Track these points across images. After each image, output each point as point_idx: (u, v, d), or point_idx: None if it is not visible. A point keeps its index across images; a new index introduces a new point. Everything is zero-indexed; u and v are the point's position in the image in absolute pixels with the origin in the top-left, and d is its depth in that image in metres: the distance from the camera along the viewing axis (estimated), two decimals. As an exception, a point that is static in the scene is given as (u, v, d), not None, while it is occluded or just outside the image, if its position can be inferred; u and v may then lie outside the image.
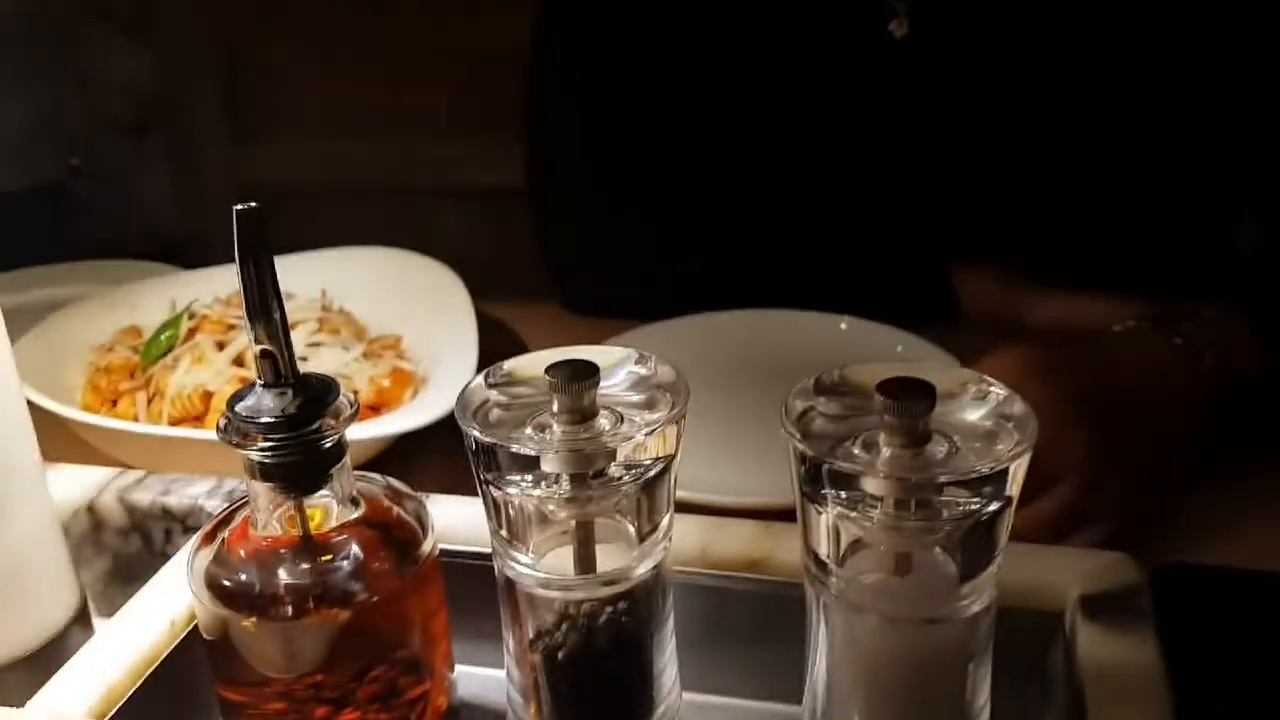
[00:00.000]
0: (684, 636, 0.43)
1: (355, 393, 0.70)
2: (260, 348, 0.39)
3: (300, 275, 0.83)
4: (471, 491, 0.66)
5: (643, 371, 0.40)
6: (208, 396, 0.68)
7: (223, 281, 0.83)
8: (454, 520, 0.49)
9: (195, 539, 0.42)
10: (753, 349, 0.80)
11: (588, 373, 0.38)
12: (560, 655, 0.40)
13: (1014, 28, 0.83)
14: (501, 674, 0.50)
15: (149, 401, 0.69)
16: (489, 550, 0.48)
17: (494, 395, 0.40)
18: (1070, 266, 0.84)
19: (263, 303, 0.39)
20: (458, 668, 0.47)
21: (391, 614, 0.43)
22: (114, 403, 0.71)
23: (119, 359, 0.73)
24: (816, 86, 0.87)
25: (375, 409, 0.70)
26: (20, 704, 0.42)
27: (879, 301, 0.85)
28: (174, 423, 0.68)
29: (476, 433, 0.38)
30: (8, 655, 0.47)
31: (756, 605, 0.47)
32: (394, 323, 0.81)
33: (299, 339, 0.72)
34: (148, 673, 0.43)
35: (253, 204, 0.38)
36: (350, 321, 0.78)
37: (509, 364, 0.41)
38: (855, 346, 0.79)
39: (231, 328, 0.73)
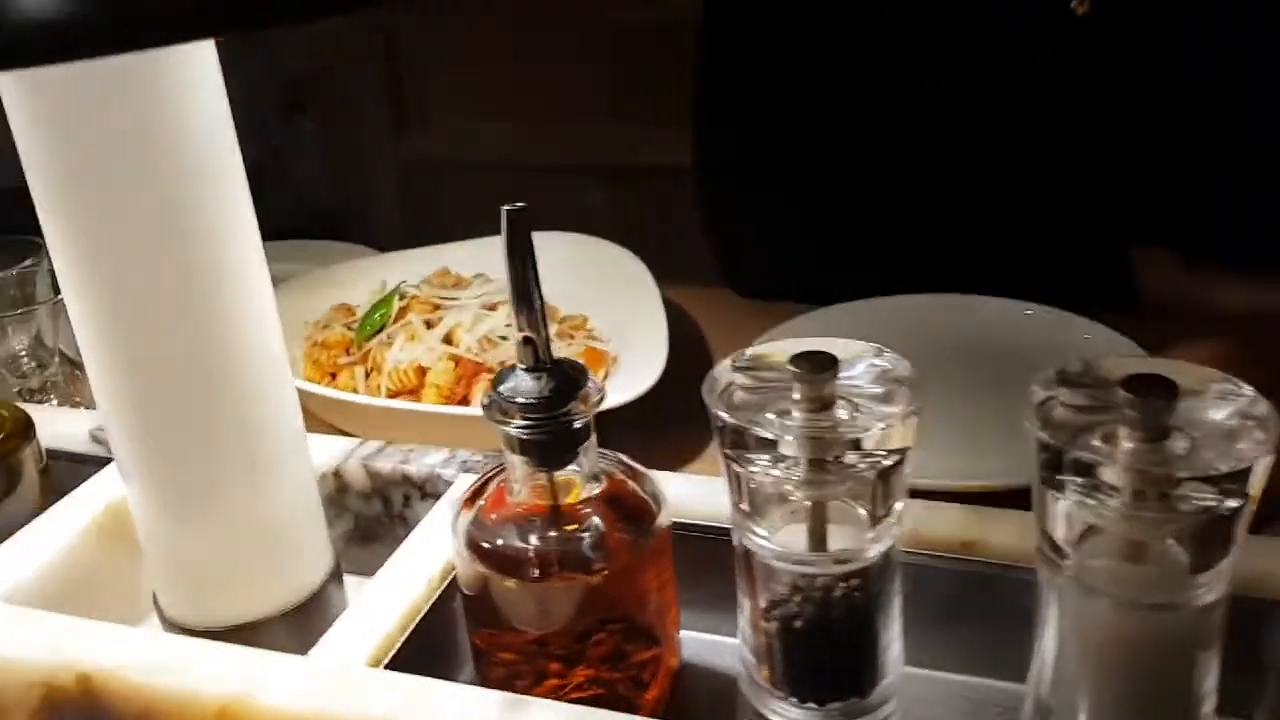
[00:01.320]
0: (903, 612, 0.45)
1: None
2: (523, 335, 0.43)
3: (487, 256, 0.87)
4: (665, 466, 0.70)
5: (881, 364, 0.42)
6: (421, 371, 0.73)
7: (417, 264, 0.88)
8: (680, 495, 0.52)
9: (456, 504, 0.46)
10: (935, 333, 0.81)
11: (828, 364, 0.40)
12: (797, 624, 0.43)
13: (1198, 3, 0.82)
14: (728, 639, 0.53)
15: (366, 375, 0.74)
16: (714, 524, 0.52)
17: (738, 379, 0.43)
18: (1257, 253, 0.83)
19: (526, 294, 0.43)
20: (688, 632, 0.50)
21: (628, 580, 0.46)
22: (333, 376, 0.76)
23: (334, 335, 0.79)
24: (996, 66, 0.87)
25: (573, 387, 0.74)
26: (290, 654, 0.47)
27: (1054, 288, 0.85)
28: (391, 395, 0.72)
29: (724, 413, 0.41)
30: (276, 609, 0.51)
31: (972, 585, 0.49)
32: (579, 304, 0.84)
33: (499, 320, 0.77)
34: (413, 624, 0.48)
35: (519, 204, 0.42)
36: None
37: (751, 350, 0.43)
38: (1042, 334, 0.79)
39: (438, 307, 0.78)
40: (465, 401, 0.72)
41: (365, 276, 0.87)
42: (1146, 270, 0.85)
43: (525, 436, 0.44)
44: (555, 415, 0.43)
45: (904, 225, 0.92)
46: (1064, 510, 0.38)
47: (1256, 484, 0.36)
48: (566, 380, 0.44)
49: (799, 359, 0.41)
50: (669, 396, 0.71)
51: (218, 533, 0.49)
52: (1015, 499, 0.59)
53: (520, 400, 0.43)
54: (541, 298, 0.43)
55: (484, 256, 0.87)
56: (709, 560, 0.51)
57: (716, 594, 0.52)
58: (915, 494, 0.57)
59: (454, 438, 0.66)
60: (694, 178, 1.01)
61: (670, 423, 0.75)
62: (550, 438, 0.44)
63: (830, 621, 0.43)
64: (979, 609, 0.50)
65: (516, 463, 0.45)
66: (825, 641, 0.43)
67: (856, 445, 0.40)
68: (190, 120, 0.44)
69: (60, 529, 0.55)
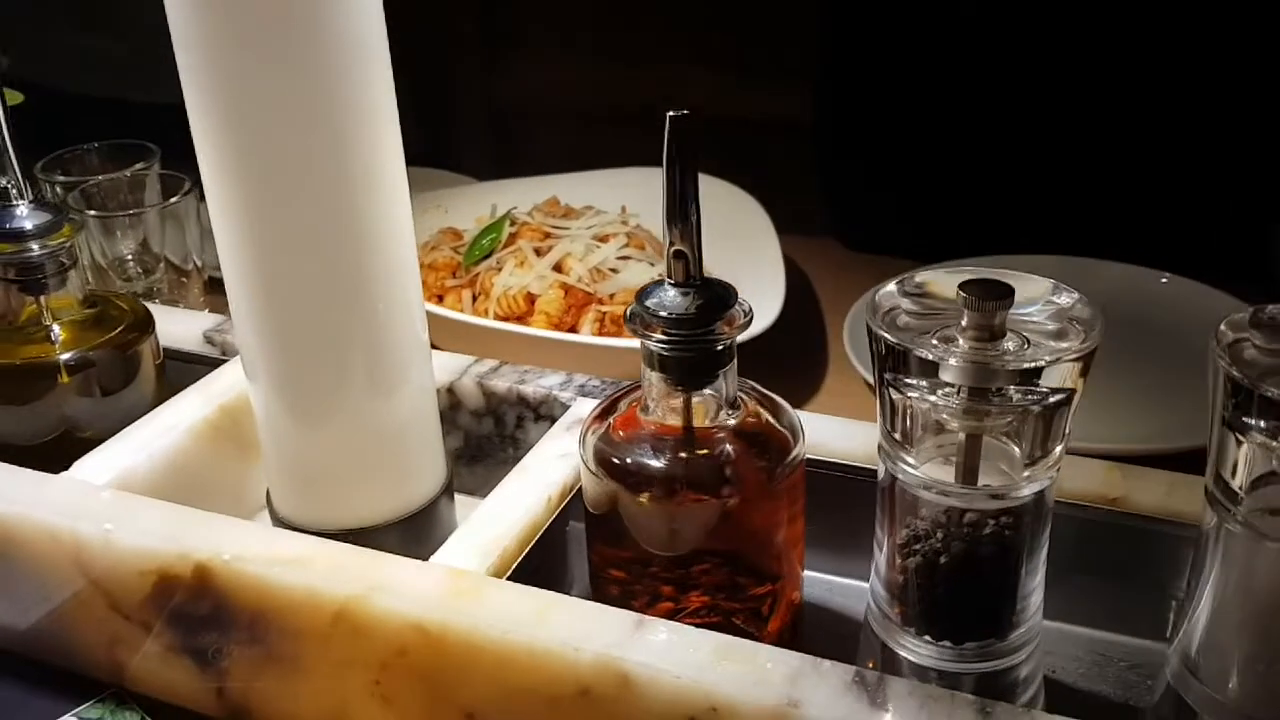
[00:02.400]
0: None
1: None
2: (674, 248, 0.41)
3: (594, 189, 0.86)
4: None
5: (1059, 302, 0.40)
6: (530, 298, 0.72)
7: (528, 191, 0.86)
8: (812, 431, 0.50)
9: (587, 419, 0.45)
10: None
11: (1002, 292, 0.38)
12: (942, 559, 0.41)
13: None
14: (851, 581, 0.52)
15: (474, 299, 0.73)
16: (847, 463, 0.50)
17: (904, 303, 0.41)
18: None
19: (683, 206, 0.41)
20: (810, 573, 0.48)
21: (758, 510, 0.45)
22: (440, 298, 0.75)
23: (443, 257, 0.78)
24: (1126, 24, 0.84)
25: (682, 323, 0.72)
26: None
27: (1180, 257, 0.82)
28: (499, 320, 0.71)
29: (885, 333, 0.39)
30: (389, 517, 0.51)
31: (1111, 540, 0.47)
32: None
33: (610, 251, 0.75)
34: (532, 541, 0.47)
35: (685, 110, 0.40)
36: (652, 238, 0.81)
37: (921, 275, 0.41)
38: (1176, 303, 0.76)
39: (548, 235, 0.77)
40: (574, 330, 0.71)
41: (472, 203, 0.86)
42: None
43: (666, 353, 0.42)
44: (699, 333, 0.42)
45: (1024, 183, 0.89)
46: (1245, 454, 0.36)
47: None
48: (715, 299, 0.42)
49: (971, 285, 0.39)
50: (777, 344, 0.69)
51: (338, 436, 0.49)
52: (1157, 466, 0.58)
53: (665, 314, 0.42)
54: (699, 211, 0.42)
55: (590, 189, 0.86)
56: (836, 501, 0.49)
57: (842, 535, 0.51)
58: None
59: (560, 366, 0.64)
60: (813, 131, 0.99)
61: (779, 369, 0.73)
62: (692, 356, 0.42)
63: (978, 559, 0.41)
64: (1115, 564, 0.48)
65: (654, 380, 0.43)
66: (970, 579, 0.42)
67: (1022, 378, 0.38)
68: (343, 9, 0.43)
69: (174, 423, 0.55)
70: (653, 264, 0.76)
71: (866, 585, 0.46)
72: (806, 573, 0.50)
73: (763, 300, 0.71)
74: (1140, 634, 0.48)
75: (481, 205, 0.85)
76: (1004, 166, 0.89)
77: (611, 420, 0.45)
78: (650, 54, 1.50)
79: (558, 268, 0.74)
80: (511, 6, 1.59)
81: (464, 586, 0.42)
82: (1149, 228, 0.85)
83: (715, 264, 0.80)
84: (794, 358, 0.77)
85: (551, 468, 0.50)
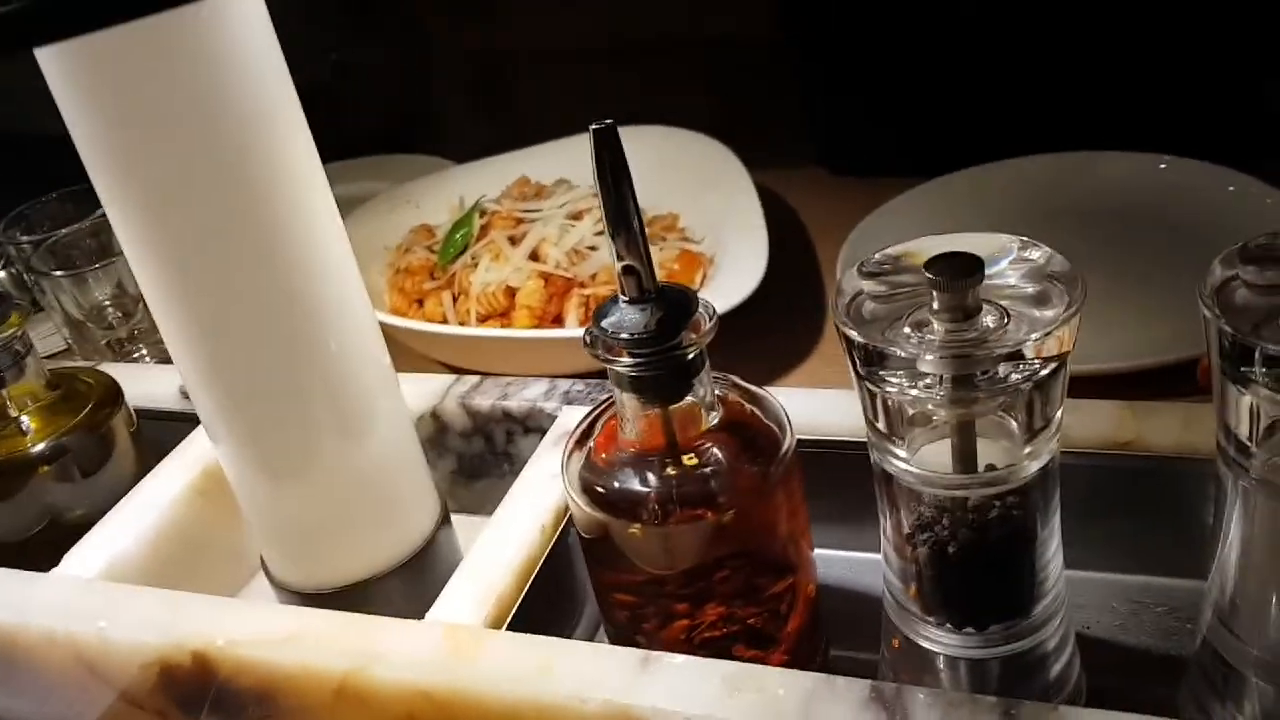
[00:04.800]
0: (1062, 514, 0.42)
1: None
2: (623, 264, 0.39)
3: (567, 158, 0.83)
4: (775, 369, 0.66)
5: (1031, 259, 0.37)
6: (510, 292, 0.69)
7: (496, 173, 0.84)
8: (799, 410, 0.48)
9: (565, 446, 0.43)
10: (1060, 198, 0.75)
11: (971, 268, 0.36)
12: (950, 549, 0.39)
13: None
14: (866, 554, 0.50)
15: (454, 300, 0.71)
16: (846, 439, 0.48)
17: (868, 285, 0.38)
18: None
19: (624, 218, 0.38)
20: (823, 551, 0.47)
21: (759, 512, 0.43)
22: (419, 303, 0.73)
23: (417, 260, 0.76)
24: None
25: (669, 292, 0.70)
26: (406, 611, 0.44)
27: (1181, 139, 0.78)
28: (481, 320, 0.69)
29: (853, 333, 0.37)
30: (387, 564, 0.49)
31: (1130, 483, 0.45)
32: (669, 201, 0.80)
33: (586, 228, 0.73)
34: (531, 576, 0.45)
35: (607, 120, 0.38)
36: (629, 204, 0.78)
37: (881, 252, 0.39)
38: (1181, 187, 0.72)
39: (520, 221, 0.74)
40: (559, 320, 0.69)
41: (442, 192, 0.84)
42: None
43: (635, 374, 0.40)
44: (666, 348, 0.39)
45: (1011, 80, 0.85)
46: (1249, 404, 0.34)
47: None
48: (675, 308, 0.40)
49: (937, 264, 0.36)
50: (771, 293, 0.67)
51: (315, 489, 0.47)
52: (1173, 377, 0.55)
53: (626, 335, 0.39)
54: (641, 220, 0.39)
55: (564, 158, 0.83)
56: (841, 474, 0.47)
57: (851, 508, 0.49)
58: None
59: (553, 360, 0.62)
60: (789, 50, 0.95)
61: (776, 321, 0.71)
62: (662, 373, 0.40)
63: (988, 544, 0.39)
64: (1139, 506, 0.46)
65: (627, 400, 0.41)
66: (983, 565, 0.39)
67: (1009, 357, 0.36)
68: (239, 60, 0.40)
69: (158, 498, 0.53)
70: (632, 233, 0.73)
71: (879, 556, 0.44)
72: (818, 552, 0.49)
73: (746, 257, 0.68)
74: (1175, 573, 0.46)
75: (454, 194, 0.83)
76: (984, 68, 0.85)
77: (591, 443, 0.44)
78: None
79: (534, 255, 0.71)
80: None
81: (462, 643, 0.41)
82: (1143, 111, 0.81)
83: (694, 225, 0.77)
84: (788, 305, 0.75)
85: (542, 490, 0.48)
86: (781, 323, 0.71)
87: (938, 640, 0.41)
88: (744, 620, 0.45)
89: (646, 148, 0.84)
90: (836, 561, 0.50)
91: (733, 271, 0.68)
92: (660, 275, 0.71)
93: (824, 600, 0.47)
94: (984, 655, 0.41)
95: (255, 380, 0.44)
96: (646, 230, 0.73)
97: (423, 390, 0.56)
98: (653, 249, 0.73)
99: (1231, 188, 0.70)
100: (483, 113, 1.62)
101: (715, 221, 0.75)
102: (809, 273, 0.78)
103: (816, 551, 0.48)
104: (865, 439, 0.40)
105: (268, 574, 0.50)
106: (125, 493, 0.54)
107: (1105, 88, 0.82)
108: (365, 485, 0.47)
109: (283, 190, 0.42)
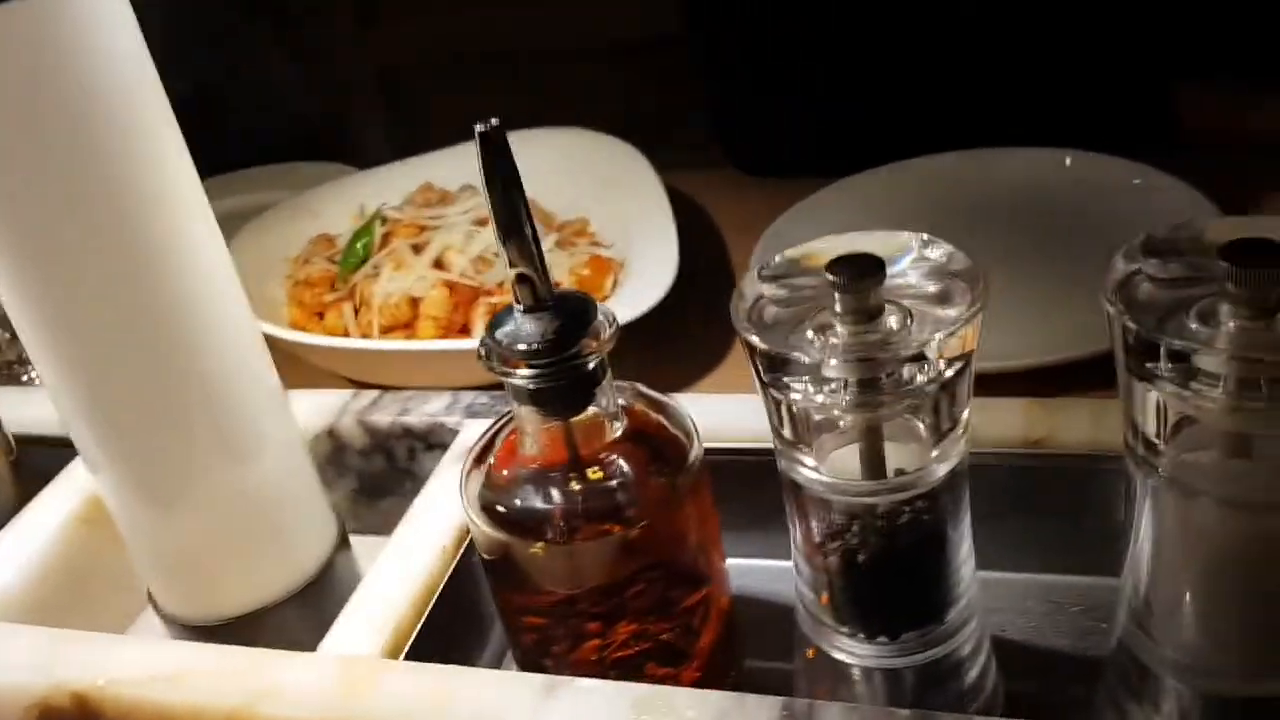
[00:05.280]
0: (975, 515, 0.41)
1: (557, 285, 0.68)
2: (516, 271, 0.37)
3: (475, 164, 0.80)
4: (687, 374, 0.65)
5: (933, 257, 0.36)
6: (414, 303, 0.67)
7: (400, 180, 0.81)
8: (708, 417, 0.47)
9: (464, 465, 0.41)
10: (967, 194, 0.75)
11: (872, 269, 0.35)
12: (860, 557, 0.38)
13: None
14: (783, 563, 0.48)
15: (356, 312, 0.69)
16: (754, 445, 0.47)
17: (768, 290, 0.37)
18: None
19: (515, 224, 0.37)
20: (735, 560, 0.45)
21: (666, 524, 0.41)
22: (320, 315, 0.71)
23: (317, 271, 0.73)
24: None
25: (579, 299, 0.68)
26: (303, 641, 0.42)
27: (1087, 132, 0.78)
28: (384, 332, 0.67)
29: (754, 339, 0.35)
30: (281, 592, 0.47)
31: (1043, 481, 0.44)
32: (578, 205, 0.78)
33: (492, 235, 0.70)
34: (430, 602, 0.43)
35: (494, 122, 0.36)
36: (537, 209, 0.76)
37: (781, 255, 0.38)
38: (1086, 181, 0.72)
39: (424, 229, 0.72)
40: (466, 330, 0.67)
41: (343, 200, 0.81)
42: (1186, 101, 0.78)
43: (533, 386, 0.38)
44: (565, 358, 0.38)
45: (917, 78, 0.85)
46: (1155, 402, 0.33)
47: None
48: (572, 317, 0.38)
49: (838, 265, 0.35)
50: (684, 297, 0.65)
51: (200, 517, 0.45)
52: (1084, 372, 0.55)
53: (523, 347, 0.37)
54: (533, 225, 0.37)
55: (469, 164, 0.80)
56: (751, 481, 0.46)
57: (763, 516, 0.47)
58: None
59: (460, 372, 0.60)
60: (689, 51, 0.94)
61: (689, 325, 0.69)
62: (562, 384, 0.38)
63: (898, 550, 0.38)
64: (1052, 505, 0.46)
65: (526, 414, 0.39)
66: (894, 573, 0.39)
67: (914, 358, 0.35)
68: (99, 66, 0.38)
69: (39, 529, 0.51)
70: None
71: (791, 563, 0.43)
72: (731, 561, 0.47)
73: (657, 260, 0.67)
74: (1090, 571, 0.46)
75: (354, 202, 0.80)
76: (891, 65, 0.85)
77: (491, 460, 0.42)
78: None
79: (438, 264, 0.69)
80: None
81: (356, 676, 0.39)
82: (1048, 106, 0.82)
83: (604, 229, 0.76)
84: (701, 308, 0.74)
85: (443, 510, 0.46)
86: (694, 327, 0.70)
87: (851, 651, 0.40)
88: (656, 636, 0.43)
89: (555, 151, 0.82)
90: (750, 571, 0.49)
91: (643, 276, 0.67)
92: (570, 281, 0.69)
93: (738, 611, 0.46)
94: (899, 664, 0.40)
95: (131, 406, 0.42)
96: (556, 236, 0.72)
97: (318, 407, 0.53)
98: (564, 255, 0.71)
99: (1136, 180, 0.70)
100: (390, 118, 1.59)
101: (626, 225, 0.74)
102: (721, 275, 0.77)
103: (729, 561, 0.46)
104: (769, 447, 0.39)
105: (155, 607, 0.48)
106: (3, 524, 0.51)
107: (1010, 83, 0.82)
108: (254, 511, 0.45)
109: (152, 206, 0.40)
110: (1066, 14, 0.81)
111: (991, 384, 0.56)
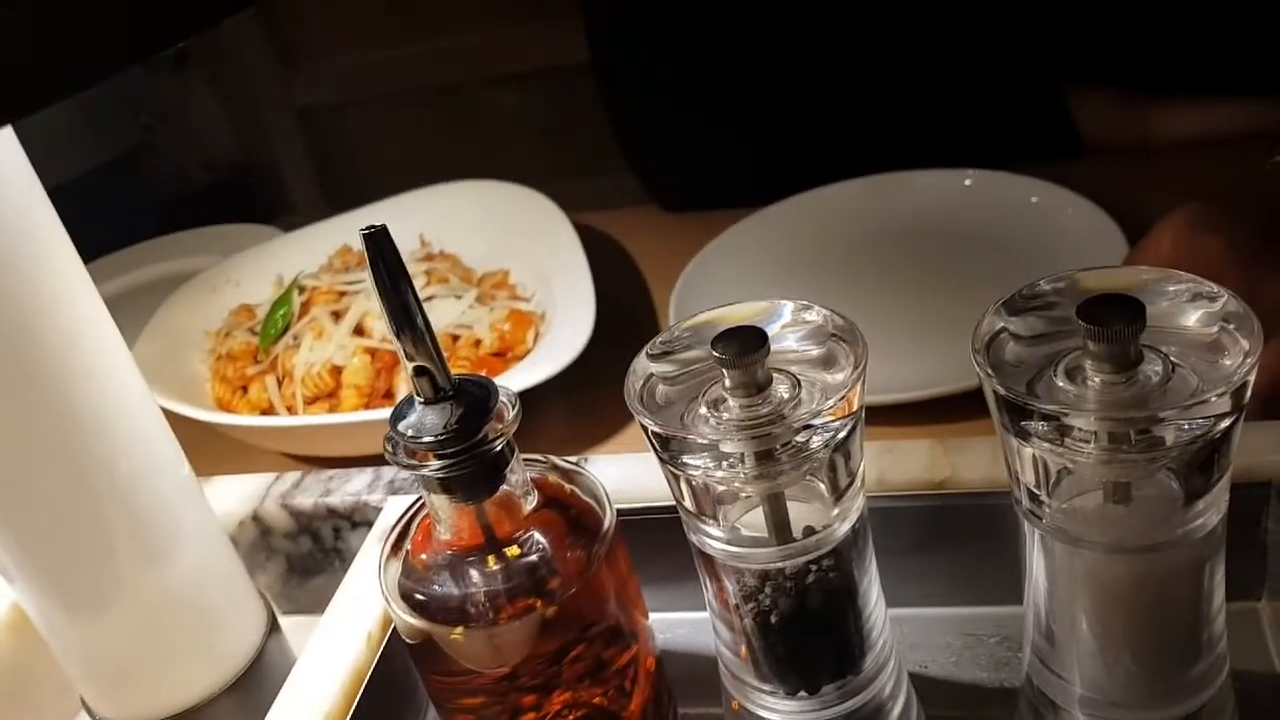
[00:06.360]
0: (883, 553, 0.42)
1: (479, 342, 0.69)
2: (414, 365, 0.38)
3: (390, 221, 0.81)
4: (598, 431, 0.66)
5: (812, 319, 0.38)
6: (336, 371, 0.67)
7: (321, 242, 0.81)
8: (622, 478, 0.48)
9: (383, 553, 0.42)
10: (876, 218, 0.76)
11: (756, 342, 0.36)
12: (773, 618, 0.39)
13: None
14: (703, 614, 0.49)
15: (279, 384, 0.69)
16: (665, 504, 0.47)
17: (657, 368, 0.38)
18: (1184, 77, 0.79)
19: (408, 319, 0.37)
20: (658, 615, 0.46)
21: (589, 592, 0.42)
22: (244, 389, 0.71)
23: (239, 344, 0.73)
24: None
25: (500, 355, 0.69)
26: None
27: (993, 148, 0.80)
28: (309, 402, 0.67)
29: (648, 422, 0.36)
30: (214, 687, 0.47)
31: (949, 519, 0.46)
32: (499, 256, 0.79)
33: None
34: (360, 690, 0.43)
35: (377, 225, 0.37)
36: (457, 265, 0.77)
37: (664, 334, 0.39)
38: (986, 201, 0.74)
39: (343, 294, 0.72)
40: (389, 394, 0.67)
41: (263, 267, 0.81)
42: (1081, 108, 0.81)
43: (443, 475, 0.39)
44: (471, 445, 0.38)
45: (823, 109, 0.87)
46: (1032, 457, 0.34)
47: (1248, 393, 0.32)
48: (474, 403, 0.39)
49: (722, 343, 0.36)
50: (605, 339, 0.66)
51: (124, 621, 0.45)
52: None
53: (429, 439, 0.38)
54: (425, 318, 0.38)
55: (390, 221, 0.81)
56: (668, 537, 0.47)
57: (683, 569, 0.48)
58: (880, 410, 0.53)
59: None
60: (602, 97, 0.95)
61: (610, 372, 0.70)
62: (472, 470, 0.39)
63: (809, 609, 0.39)
64: (961, 541, 0.47)
65: (438, 502, 0.40)
66: (807, 630, 0.39)
67: (807, 426, 0.36)
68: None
69: (-36, 638, 0.50)
70: (459, 296, 0.72)
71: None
72: (657, 616, 0.48)
73: (576, 313, 0.68)
74: (1004, 601, 0.47)
75: (272, 271, 0.80)
76: (800, 96, 0.86)
77: (407, 546, 0.42)
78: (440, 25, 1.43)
79: (359, 330, 0.69)
80: (292, 12, 1.51)
81: (286, 778, 0.39)
82: (953, 125, 0.83)
83: (524, 280, 0.77)
84: (620, 359, 0.75)
85: (367, 594, 0.47)
86: (616, 374, 0.71)
87: (774, 709, 0.41)
88: (590, 702, 0.44)
89: (473, 204, 0.83)
90: (676, 624, 0.50)
91: (563, 328, 0.68)
92: (492, 337, 0.70)
93: (668, 663, 0.47)
94: (821, 718, 0.41)
95: (40, 516, 0.42)
96: (477, 291, 0.72)
97: (240, 493, 0.54)
98: (484, 311, 0.72)
99: (1035, 198, 0.72)
100: (316, 165, 1.59)
101: (545, 275, 0.75)
102: (644, 318, 0.78)
103: (655, 615, 0.47)
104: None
105: (88, 711, 0.48)
106: (-71, 638, 0.51)
107: (917, 105, 0.84)
108: (177, 609, 0.45)
109: (42, 315, 0.40)
110: (966, 33, 0.83)
111: (901, 414, 0.57)
